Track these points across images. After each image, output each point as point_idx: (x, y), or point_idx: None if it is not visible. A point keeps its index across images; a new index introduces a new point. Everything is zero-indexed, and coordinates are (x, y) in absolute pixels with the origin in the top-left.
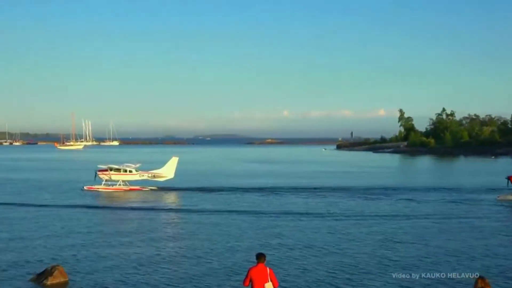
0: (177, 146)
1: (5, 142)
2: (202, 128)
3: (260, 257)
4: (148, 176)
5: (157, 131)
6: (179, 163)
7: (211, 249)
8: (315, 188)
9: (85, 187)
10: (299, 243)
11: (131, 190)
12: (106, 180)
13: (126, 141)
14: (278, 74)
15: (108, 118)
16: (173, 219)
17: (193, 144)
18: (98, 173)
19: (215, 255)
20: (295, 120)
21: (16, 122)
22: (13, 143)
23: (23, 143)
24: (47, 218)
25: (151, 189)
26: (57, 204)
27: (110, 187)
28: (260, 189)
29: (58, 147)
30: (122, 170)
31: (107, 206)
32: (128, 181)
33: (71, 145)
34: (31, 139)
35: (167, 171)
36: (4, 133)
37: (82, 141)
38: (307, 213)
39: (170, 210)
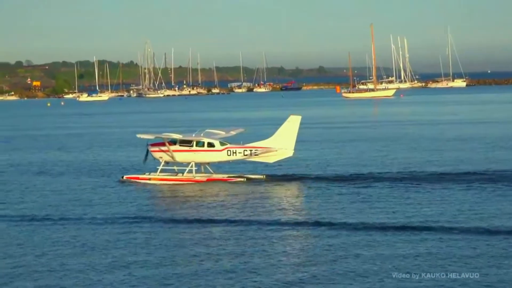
0: None
1: (205, 89)
2: None
3: None
4: (245, 155)
5: None
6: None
7: None
8: None
9: (124, 177)
10: None
11: (210, 181)
12: (165, 162)
13: (480, 80)
14: None
15: (439, 35)
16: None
17: None
18: (151, 149)
19: None
20: None
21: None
22: (235, 89)
23: (272, 88)
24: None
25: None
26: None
27: (172, 177)
28: None
29: (344, 94)
30: (194, 144)
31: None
32: (209, 163)
33: (371, 89)
34: (292, 81)
35: (281, 143)
36: (234, 69)
37: (391, 80)
38: None
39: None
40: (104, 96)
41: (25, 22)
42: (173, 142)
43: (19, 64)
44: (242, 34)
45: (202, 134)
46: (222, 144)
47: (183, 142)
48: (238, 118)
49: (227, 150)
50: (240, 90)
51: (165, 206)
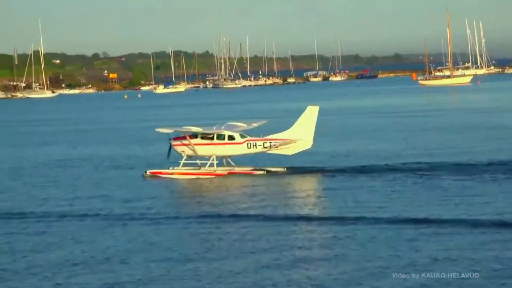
0: None
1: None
2: None
3: None
4: (265, 147)
5: None
6: None
7: None
8: None
9: (148, 172)
10: None
11: (231, 174)
12: (187, 156)
13: None
14: None
15: None
16: None
17: None
18: (173, 143)
19: None
20: None
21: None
22: (310, 78)
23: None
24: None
25: (277, 172)
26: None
27: (194, 171)
28: None
29: (420, 81)
30: (215, 136)
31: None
32: (230, 156)
33: (447, 76)
34: (367, 68)
35: (300, 133)
36: (309, 57)
37: (467, 66)
38: None
39: None
40: (180, 88)
41: (101, 14)
42: (195, 135)
43: (96, 56)
44: (317, 22)
45: (223, 127)
46: (242, 136)
47: (204, 136)
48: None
49: (247, 143)
50: (315, 79)
51: (188, 202)
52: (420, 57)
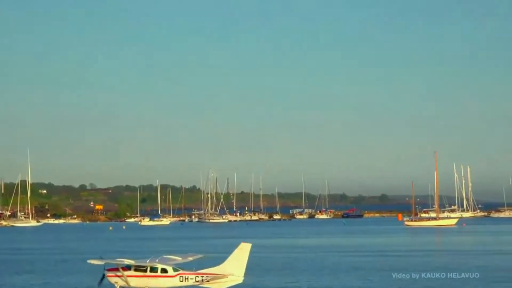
0: None
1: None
2: None
3: None
4: (196, 281)
5: None
6: None
7: None
8: None
9: None
10: None
11: None
12: (120, 287)
13: None
14: None
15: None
16: None
17: None
18: (107, 274)
19: None
20: None
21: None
22: (296, 215)
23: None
24: None
25: None
26: None
27: None
28: None
29: (406, 222)
30: (148, 269)
31: None
32: None
33: (433, 218)
34: (353, 208)
35: (231, 269)
36: (296, 195)
37: (453, 209)
38: None
39: None
40: (166, 221)
41: (90, 146)
42: (128, 267)
43: (83, 187)
44: (304, 160)
45: (157, 260)
46: (175, 270)
47: (138, 268)
48: (295, 245)
49: (180, 276)
50: (301, 217)
51: None
52: (407, 198)
